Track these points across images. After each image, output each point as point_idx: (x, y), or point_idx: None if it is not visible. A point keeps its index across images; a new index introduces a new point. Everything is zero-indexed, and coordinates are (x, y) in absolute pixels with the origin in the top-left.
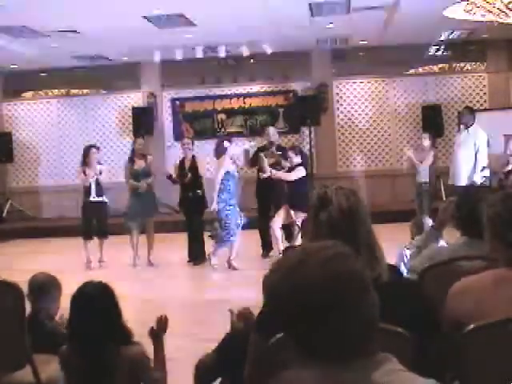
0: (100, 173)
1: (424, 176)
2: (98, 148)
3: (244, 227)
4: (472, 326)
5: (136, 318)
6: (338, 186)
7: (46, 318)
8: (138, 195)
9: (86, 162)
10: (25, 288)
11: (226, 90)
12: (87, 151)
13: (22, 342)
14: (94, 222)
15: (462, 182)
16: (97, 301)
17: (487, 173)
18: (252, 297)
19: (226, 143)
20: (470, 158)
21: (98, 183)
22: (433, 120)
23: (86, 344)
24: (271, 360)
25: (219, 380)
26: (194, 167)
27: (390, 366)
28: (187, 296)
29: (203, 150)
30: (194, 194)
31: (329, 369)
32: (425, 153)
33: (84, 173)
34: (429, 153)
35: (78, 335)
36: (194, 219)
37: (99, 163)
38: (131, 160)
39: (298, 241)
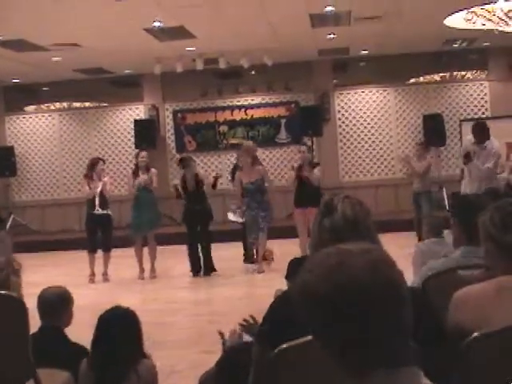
0: (104, 185)
1: (418, 185)
2: (103, 161)
3: None
4: (476, 334)
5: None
6: (345, 195)
7: (54, 332)
8: (141, 208)
9: (91, 174)
10: (28, 302)
11: (228, 102)
12: (94, 164)
13: (26, 355)
14: (99, 235)
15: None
16: (122, 326)
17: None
18: (252, 310)
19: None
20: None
21: (102, 196)
22: (434, 129)
23: (107, 361)
24: (274, 371)
25: None
26: (198, 180)
27: (418, 379)
28: (190, 308)
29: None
30: (199, 206)
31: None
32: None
33: (89, 185)
34: (424, 162)
35: (100, 353)
36: (200, 231)
37: (103, 176)
38: (135, 174)
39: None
